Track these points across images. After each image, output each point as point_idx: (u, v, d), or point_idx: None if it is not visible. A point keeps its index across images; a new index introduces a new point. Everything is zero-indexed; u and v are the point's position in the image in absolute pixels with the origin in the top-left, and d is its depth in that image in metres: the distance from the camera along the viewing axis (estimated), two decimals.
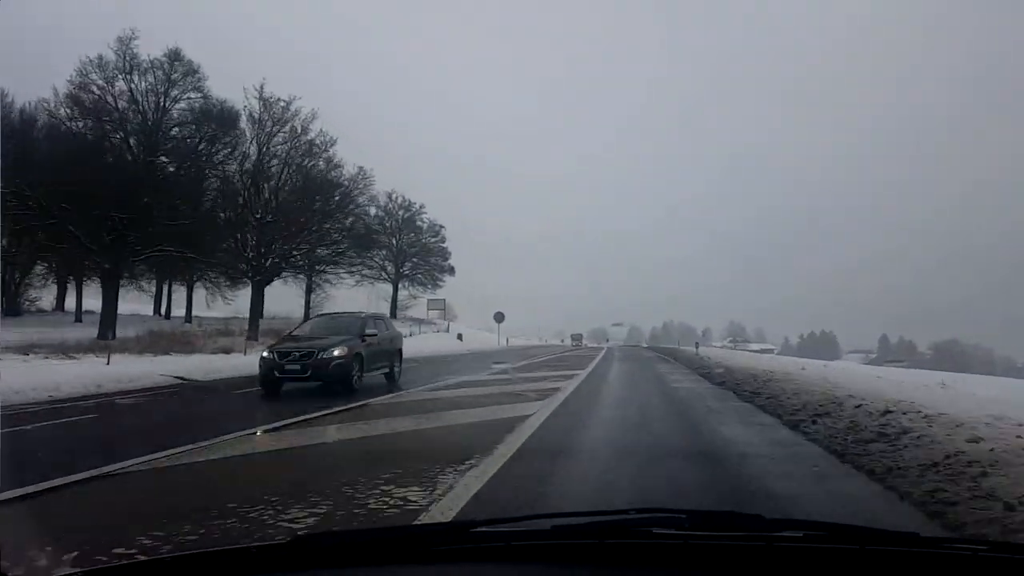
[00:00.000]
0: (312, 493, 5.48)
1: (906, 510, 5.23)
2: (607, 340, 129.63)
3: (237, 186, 36.55)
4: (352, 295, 57.41)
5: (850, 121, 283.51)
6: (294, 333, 17.25)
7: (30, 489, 5.54)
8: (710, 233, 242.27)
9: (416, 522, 4.71)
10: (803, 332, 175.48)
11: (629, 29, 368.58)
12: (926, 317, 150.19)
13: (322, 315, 23.17)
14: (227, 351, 29.34)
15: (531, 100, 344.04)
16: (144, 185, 32.08)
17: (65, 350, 23.42)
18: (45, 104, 33.09)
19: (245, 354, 28.25)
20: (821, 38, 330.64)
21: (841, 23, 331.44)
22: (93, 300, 46.39)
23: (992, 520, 4.61)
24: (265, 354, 14.69)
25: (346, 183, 39.25)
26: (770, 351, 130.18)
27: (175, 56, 33.76)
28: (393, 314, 56.74)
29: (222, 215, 36.54)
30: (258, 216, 36.07)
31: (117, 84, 32.85)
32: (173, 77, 33.89)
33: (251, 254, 36.36)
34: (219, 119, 35.03)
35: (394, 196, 56.38)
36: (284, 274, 53.71)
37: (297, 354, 14.31)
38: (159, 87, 33.58)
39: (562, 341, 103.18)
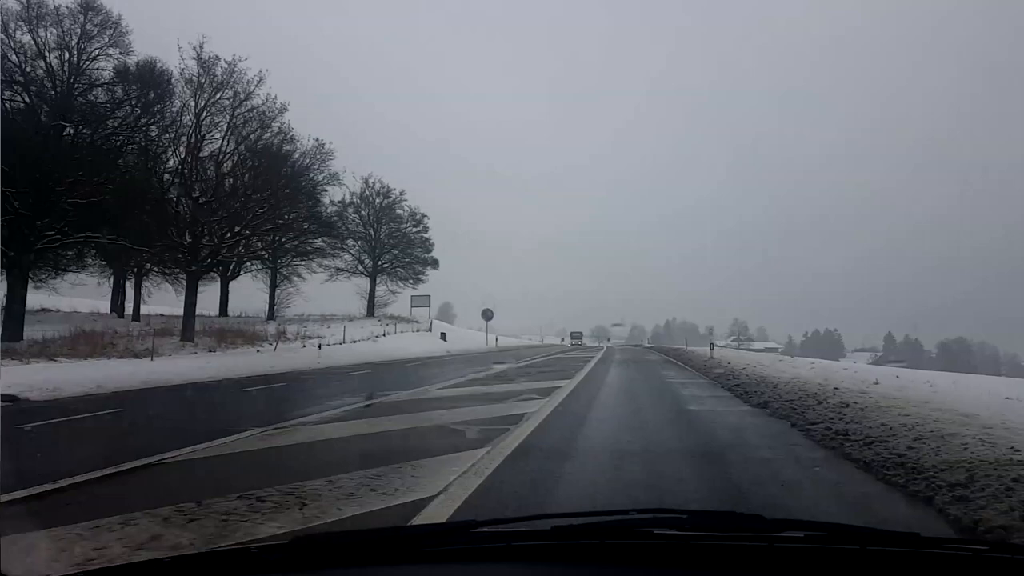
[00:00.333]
0: None
1: None
2: (608, 339, 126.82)
3: (170, 161, 30.81)
4: (326, 291, 51.68)
5: (854, 118, 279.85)
6: None
7: None
8: (713, 232, 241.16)
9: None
10: (807, 330, 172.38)
11: (633, 28, 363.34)
12: (931, 314, 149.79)
13: None
14: (140, 356, 24.26)
15: (535, 101, 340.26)
16: (53, 158, 26.40)
17: None
18: None
19: (153, 359, 23.06)
20: (825, 36, 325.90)
21: (844, 21, 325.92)
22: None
23: None
24: None
25: (300, 157, 33.25)
26: (774, 350, 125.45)
27: (88, 5, 27.99)
28: (370, 311, 50.91)
29: (153, 196, 30.74)
30: (195, 196, 30.26)
31: (21, 37, 27.18)
32: (88, 29, 28.13)
33: (187, 240, 30.56)
34: (146, 80, 29.25)
35: (371, 181, 50.68)
36: (248, 267, 48.26)
37: None
38: (70, 41, 27.82)
39: (562, 340, 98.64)
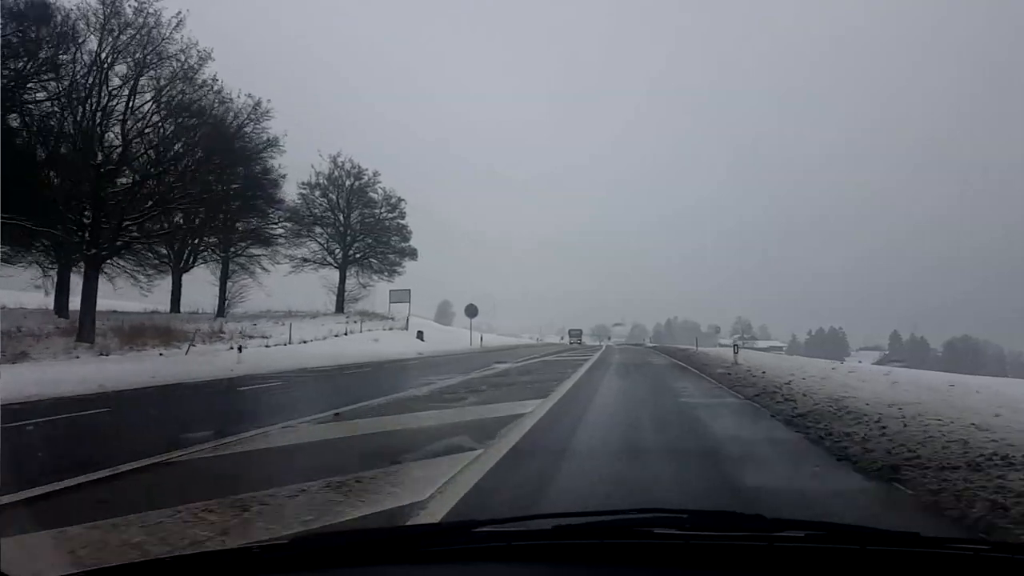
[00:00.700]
0: None
1: None
2: (608, 338, 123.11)
3: (65, 120, 24.56)
4: (294, 285, 45.41)
5: (854, 118, 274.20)
6: None
7: None
8: (713, 231, 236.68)
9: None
10: (811, 328, 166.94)
11: (633, 28, 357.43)
12: (932, 314, 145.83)
13: None
14: (27, 356, 18.85)
15: (535, 101, 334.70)
16: None
17: None
18: None
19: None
20: (826, 35, 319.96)
21: (844, 21, 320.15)
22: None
23: None
24: None
25: (229, 118, 26.95)
26: (778, 349, 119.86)
27: None
28: (340, 307, 44.58)
29: (41, 163, 24.53)
30: (96, 163, 24.00)
31: None
32: None
33: (86, 218, 24.32)
34: (27, 17, 23.01)
35: (340, 160, 44.28)
36: (203, 257, 42.02)
37: None
38: None
39: (561, 339, 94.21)
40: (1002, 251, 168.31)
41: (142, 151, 25.85)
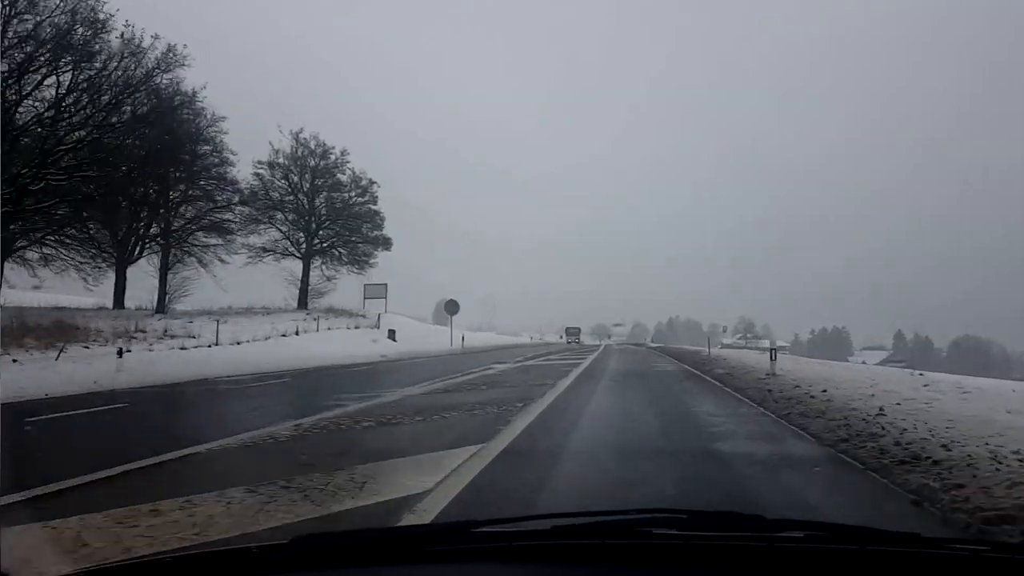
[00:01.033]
0: None
1: None
2: (609, 337, 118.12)
3: None
4: (251, 278, 39.83)
5: (856, 116, 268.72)
6: None
7: None
8: (713, 231, 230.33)
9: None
10: (813, 328, 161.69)
11: (633, 29, 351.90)
12: (933, 313, 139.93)
13: None
14: None
15: (535, 101, 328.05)
16: None
17: None
18: None
19: None
20: (826, 33, 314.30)
21: (844, 21, 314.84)
22: None
23: None
24: None
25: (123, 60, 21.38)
26: (782, 350, 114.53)
27: None
28: (302, 303, 38.92)
29: None
30: None
31: None
32: None
33: None
34: None
35: (302, 137, 38.55)
36: (151, 248, 36.51)
37: None
38: None
39: (560, 338, 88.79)
40: (1002, 251, 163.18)
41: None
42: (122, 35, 21.65)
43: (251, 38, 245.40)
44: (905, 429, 7.65)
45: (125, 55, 22.16)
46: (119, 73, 21.58)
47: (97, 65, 21.22)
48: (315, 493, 5.11)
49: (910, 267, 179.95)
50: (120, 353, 17.10)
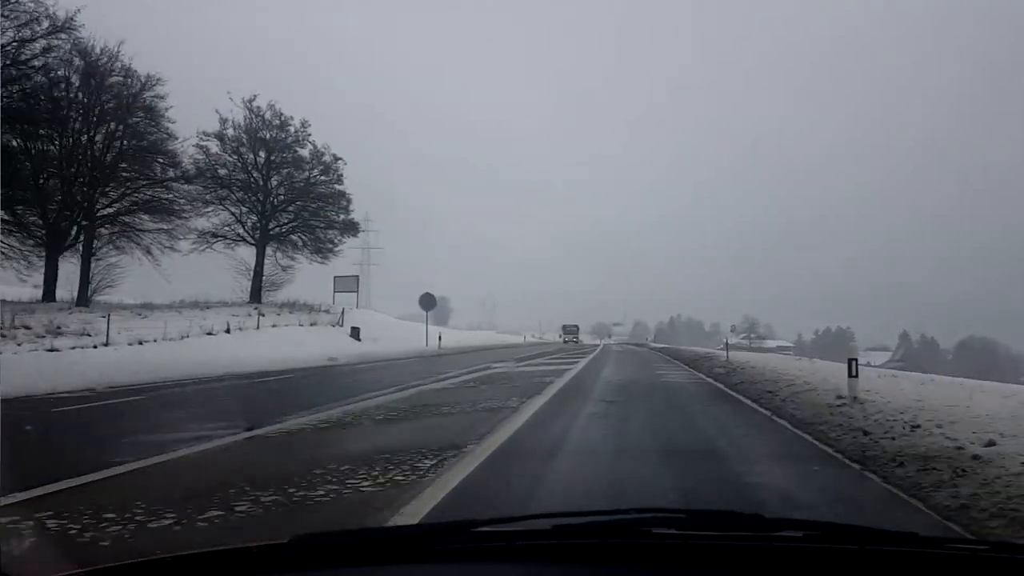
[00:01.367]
0: None
1: None
2: (609, 336, 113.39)
3: None
4: (202, 267, 34.43)
5: (861, 111, 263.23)
6: None
7: None
8: (713, 231, 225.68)
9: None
10: (817, 328, 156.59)
11: (635, 30, 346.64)
12: (939, 312, 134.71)
13: None
14: None
15: (538, 102, 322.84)
16: None
17: None
18: None
19: None
20: (826, 33, 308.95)
21: (845, 19, 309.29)
22: None
23: None
24: None
25: None
26: (787, 349, 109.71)
27: None
28: (255, 296, 33.43)
29: None
30: None
31: None
32: None
33: None
34: None
35: (256, 105, 33.03)
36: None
37: None
38: None
39: (558, 337, 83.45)
40: (1002, 251, 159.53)
41: None
42: None
43: (251, 37, 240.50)
44: None
45: None
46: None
47: None
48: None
49: (911, 267, 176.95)
50: None
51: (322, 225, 34.60)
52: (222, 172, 32.21)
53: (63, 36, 25.28)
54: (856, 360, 9.87)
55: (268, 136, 32.85)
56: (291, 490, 4.99)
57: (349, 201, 34.95)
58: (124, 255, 30.06)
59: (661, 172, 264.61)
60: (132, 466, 5.86)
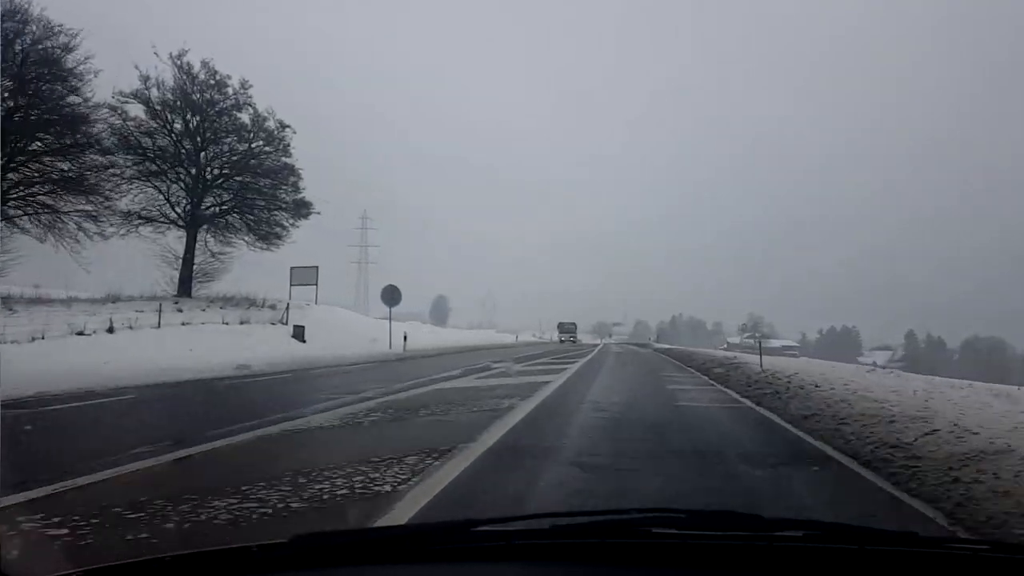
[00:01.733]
0: None
1: None
2: (610, 335, 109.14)
3: None
4: (130, 256, 28.76)
5: (861, 111, 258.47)
6: None
7: None
8: (716, 228, 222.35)
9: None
10: (821, 328, 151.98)
11: (637, 31, 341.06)
12: (940, 312, 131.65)
13: None
14: None
15: (542, 103, 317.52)
16: None
17: None
18: None
19: None
20: (826, 33, 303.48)
21: (845, 19, 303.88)
22: None
23: None
24: None
25: None
26: (792, 349, 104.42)
27: None
28: (186, 289, 27.53)
29: None
30: None
31: None
32: None
33: None
34: None
35: (186, 62, 27.12)
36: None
37: None
38: None
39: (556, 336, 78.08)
40: (1002, 251, 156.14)
41: None
42: None
43: (251, 37, 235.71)
44: None
45: None
46: None
47: None
48: None
49: (911, 266, 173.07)
50: None
51: (265, 205, 28.71)
52: (145, 142, 26.34)
53: None
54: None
55: (200, 99, 26.98)
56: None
57: (299, 177, 29.01)
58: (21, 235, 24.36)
59: (661, 172, 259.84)
60: None
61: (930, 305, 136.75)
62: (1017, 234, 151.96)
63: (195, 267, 27.41)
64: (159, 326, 19.86)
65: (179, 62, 26.74)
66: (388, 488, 4.89)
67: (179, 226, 27.69)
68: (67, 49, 23.96)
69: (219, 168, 28.17)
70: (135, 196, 27.24)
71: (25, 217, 25.08)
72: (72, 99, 24.46)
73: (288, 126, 28.41)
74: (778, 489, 5.42)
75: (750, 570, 1.45)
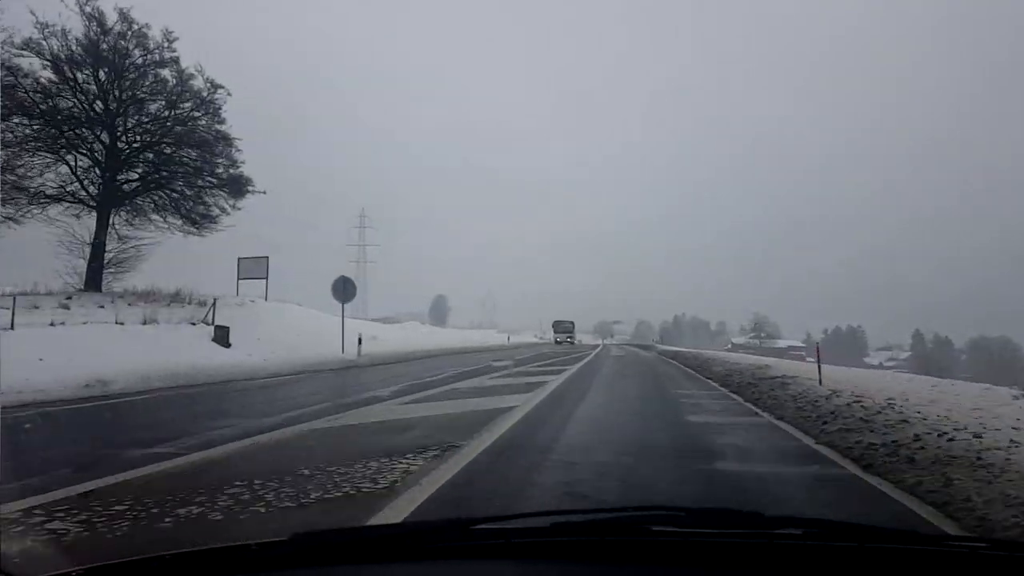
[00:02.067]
0: None
1: None
2: (611, 335, 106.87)
3: None
4: (37, 242, 23.73)
5: (861, 111, 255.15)
6: None
7: None
8: (717, 228, 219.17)
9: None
10: (826, 327, 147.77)
11: (638, 32, 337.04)
12: (942, 311, 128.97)
13: None
14: None
15: (542, 103, 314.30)
16: None
17: None
18: None
19: None
20: (825, 33, 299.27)
21: (845, 19, 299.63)
22: None
23: None
24: None
25: None
26: (799, 350, 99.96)
27: None
28: (94, 283, 22.48)
29: None
30: None
31: None
32: None
33: None
34: None
35: (96, 8, 21.93)
36: None
37: None
38: None
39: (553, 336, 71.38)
40: (1003, 250, 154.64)
41: None
42: None
43: (251, 37, 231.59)
44: None
45: None
46: None
47: None
48: None
49: (912, 266, 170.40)
50: None
51: (195, 182, 23.60)
52: (43, 104, 21.32)
53: None
54: None
55: (111, 53, 21.95)
56: None
57: (236, 148, 23.81)
58: None
59: (661, 172, 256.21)
60: None
61: (930, 305, 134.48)
62: (1017, 234, 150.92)
63: (108, 256, 22.37)
64: (12, 327, 14.84)
65: (88, 8, 21.71)
66: None
67: (90, 206, 22.66)
68: None
69: (138, 137, 23.08)
70: (42, 172, 22.28)
71: None
72: None
73: (221, 87, 23.30)
74: None
75: (750, 568, 1.43)
